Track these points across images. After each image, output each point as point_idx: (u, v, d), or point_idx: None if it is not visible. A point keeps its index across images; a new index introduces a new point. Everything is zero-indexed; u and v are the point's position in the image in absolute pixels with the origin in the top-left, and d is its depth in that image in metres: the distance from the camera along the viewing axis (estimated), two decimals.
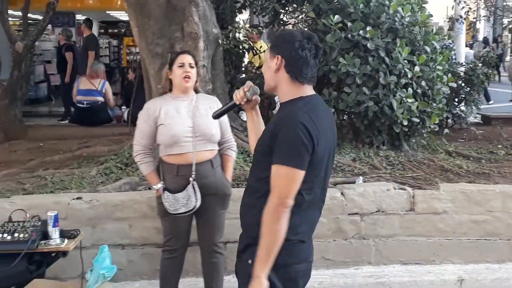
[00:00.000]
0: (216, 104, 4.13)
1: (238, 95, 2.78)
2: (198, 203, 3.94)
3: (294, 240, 2.58)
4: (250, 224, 2.63)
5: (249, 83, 2.79)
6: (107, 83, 9.95)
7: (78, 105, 9.70)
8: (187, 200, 3.91)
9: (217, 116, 2.98)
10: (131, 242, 4.87)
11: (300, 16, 7.96)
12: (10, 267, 3.62)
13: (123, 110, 10.06)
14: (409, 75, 6.29)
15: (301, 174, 2.48)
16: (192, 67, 4.05)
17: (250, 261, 2.59)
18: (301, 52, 2.58)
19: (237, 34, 7.80)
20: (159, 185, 4.00)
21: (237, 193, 4.99)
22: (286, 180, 2.48)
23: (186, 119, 3.96)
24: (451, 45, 10.37)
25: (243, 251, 2.70)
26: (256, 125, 2.89)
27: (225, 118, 4.14)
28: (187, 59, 4.04)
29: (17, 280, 3.80)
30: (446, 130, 7.61)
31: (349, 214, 5.12)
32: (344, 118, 7.08)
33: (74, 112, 10.19)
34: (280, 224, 2.47)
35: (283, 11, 7.72)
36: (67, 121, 10.77)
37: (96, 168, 5.73)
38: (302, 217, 2.59)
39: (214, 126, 4.02)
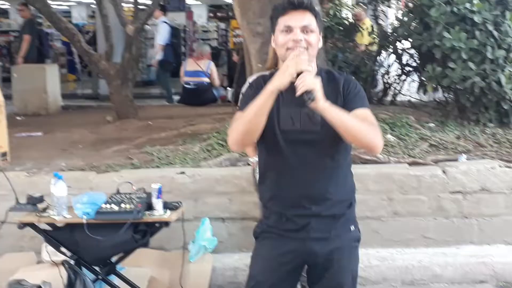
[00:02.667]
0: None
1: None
2: None
3: None
4: (341, 194, 2.63)
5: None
6: (212, 63, 10.20)
7: (185, 86, 10.02)
8: None
9: None
10: (231, 216, 4.99)
11: None
12: (117, 235, 3.80)
13: (227, 90, 10.27)
14: None
15: None
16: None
17: (352, 227, 2.64)
18: None
19: (338, 12, 7.72)
20: (255, 159, 4.07)
21: None
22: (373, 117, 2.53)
23: None
24: None
25: (339, 226, 2.60)
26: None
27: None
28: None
29: (124, 248, 3.99)
30: None
31: (450, 193, 4.97)
32: (449, 94, 6.83)
33: (181, 93, 10.53)
34: None
35: None
36: None
37: (199, 144, 5.90)
38: None
39: None
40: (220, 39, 21.89)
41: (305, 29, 2.46)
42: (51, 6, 8.39)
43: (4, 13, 22.05)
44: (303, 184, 2.53)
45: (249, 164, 4.91)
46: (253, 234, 2.73)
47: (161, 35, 11.46)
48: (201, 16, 23.44)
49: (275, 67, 4.08)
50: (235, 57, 11.43)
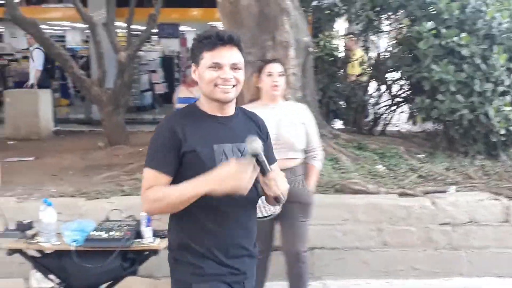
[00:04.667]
0: (304, 112, 4.14)
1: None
2: (278, 210, 3.93)
3: None
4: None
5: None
6: None
7: None
8: (266, 205, 3.93)
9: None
10: None
11: (394, 24, 7.84)
12: (105, 263, 3.77)
13: None
14: (507, 83, 6.02)
15: None
16: (281, 75, 4.06)
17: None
18: None
19: (328, 43, 7.80)
20: None
21: (325, 200, 5.00)
22: None
23: (272, 126, 3.98)
24: None
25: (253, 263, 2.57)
26: None
27: (312, 127, 4.14)
28: (275, 68, 4.05)
29: (111, 276, 3.96)
30: None
31: (440, 224, 4.98)
32: (439, 126, 6.89)
33: None
34: None
35: (377, 19, 7.63)
36: None
37: None
38: None
39: (297, 135, 4.01)
40: None
41: (234, 67, 2.36)
42: (45, 31, 8.41)
43: None
44: (242, 221, 2.46)
45: None
46: None
47: (37, 61, 11.55)
48: None
49: (257, 99, 4.13)
50: None
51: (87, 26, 9.19)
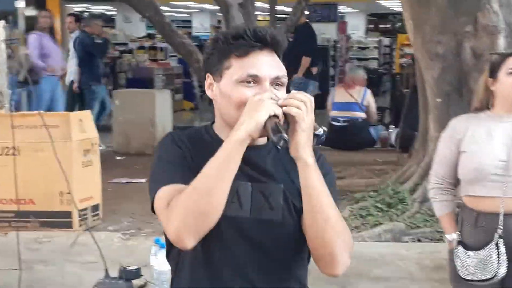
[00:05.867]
0: None
1: None
2: (502, 271, 3.60)
3: None
4: None
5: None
6: (368, 92, 10.09)
7: (333, 122, 9.93)
8: (485, 263, 3.64)
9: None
10: None
11: None
12: None
13: (390, 130, 10.05)
14: None
15: None
16: None
17: None
18: None
19: None
20: (453, 236, 3.79)
21: None
22: None
23: (499, 148, 3.66)
24: None
25: None
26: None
27: None
28: None
29: None
30: None
31: None
32: None
33: (327, 132, 10.47)
34: None
35: None
36: None
37: (350, 207, 5.78)
38: None
39: None
40: (381, 59, 21.77)
41: (276, 81, 2.09)
42: (166, 14, 8.65)
43: (110, 21, 23.18)
44: (252, 275, 2.08)
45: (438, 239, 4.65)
46: None
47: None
48: (357, 28, 23.51)
49: (486, 108, 3.80)
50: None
51: (218, 7, 9.36)
